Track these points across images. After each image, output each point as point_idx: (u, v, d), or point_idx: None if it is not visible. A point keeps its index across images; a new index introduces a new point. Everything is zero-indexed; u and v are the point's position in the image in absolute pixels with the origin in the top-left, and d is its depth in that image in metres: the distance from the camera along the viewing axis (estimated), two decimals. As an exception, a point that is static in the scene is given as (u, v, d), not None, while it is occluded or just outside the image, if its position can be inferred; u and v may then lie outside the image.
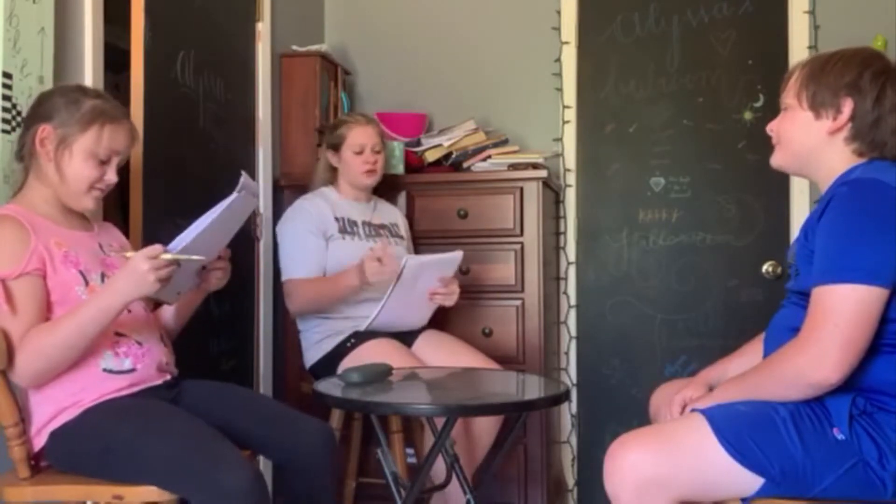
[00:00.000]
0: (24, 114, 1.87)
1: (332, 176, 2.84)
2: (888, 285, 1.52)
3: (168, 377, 1.91)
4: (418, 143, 3.22)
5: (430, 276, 2.61)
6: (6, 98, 1.85)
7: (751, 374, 1.66)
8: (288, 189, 3.08)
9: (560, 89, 3.46)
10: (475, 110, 3.42)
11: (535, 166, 3.04)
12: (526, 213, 2.98)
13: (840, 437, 1.54)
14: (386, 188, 2.95)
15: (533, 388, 2.32)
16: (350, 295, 2.59)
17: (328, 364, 2.58)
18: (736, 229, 3.26)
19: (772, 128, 1.80)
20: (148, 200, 2.39)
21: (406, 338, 2.69)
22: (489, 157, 3.10)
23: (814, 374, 1.52)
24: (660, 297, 3.35)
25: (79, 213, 1.91)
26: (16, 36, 1.86)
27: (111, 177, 1.84)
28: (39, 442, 1.74)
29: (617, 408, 3.34)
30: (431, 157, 3.17)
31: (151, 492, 1.65)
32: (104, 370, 1.77)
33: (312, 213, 2.70)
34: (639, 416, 2.04)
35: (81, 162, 1.79)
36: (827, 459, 1.53)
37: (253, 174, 2.96)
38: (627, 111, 3.41)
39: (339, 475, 2.69)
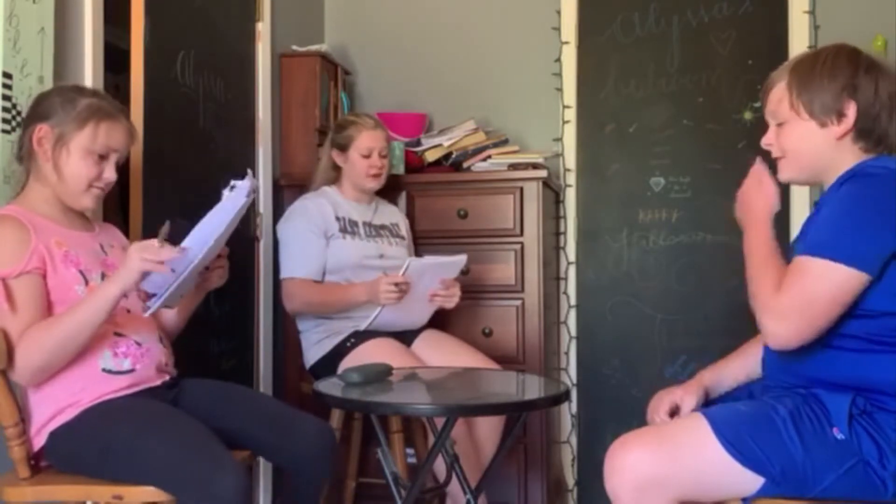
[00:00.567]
0: (24, 114, 1.87)
1: (335, 175, 2.84)
2: (870, 273, 1.53)
3: (167, 378, 1.91)
4: (418, 143, 3.22)
5: (432, 278, 2.61)
6: (6, 98, 1.85)
7: (756, 262, 1.67)
8: (288, 189, 3.08)
9: (560, 89, 3.46)
10: (475, 110, 3.42)
11: (535, 166, 3.04)
12: (526, 213, 2.98)
13: (840, 436, 1.54)
14: (386, 188, 2.95)
15: (533, 388, 2.32)
16: (354, 308, 2.60)
17: (328, 364, 2.58)
18: (736, 229, 3.21)
19: (769, 142, 1.76)
20: (148, 200, 2.39)
21: (406, 338, 2.69)
22: (489, 157, 3.10)
23: (770, 329, 1.57)
24: (660, 297, 3.35)
25: (80, 214, 1.91)
26: (16, 36, 1.86)
27: (109, 175, 1.84)
28: (39, 442, 1.74)
29: (617, 408, 3.34)
30: (431, 157, 3.17)
31: (151, 492, 1.65)
32: (103, 370, 1.77)
33: (314, 213, 2.70)
34: (639, 416, 2.04)
35: (79, 160, 1.79)
36: (827, 459, 1.53)
37: (253, 174, 2.96)
38: (627, 111, 3.41)
39: (339, 475, 2.70)
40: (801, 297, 1.54)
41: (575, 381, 3.41)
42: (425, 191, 3.08)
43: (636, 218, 3.39)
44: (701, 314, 3.30)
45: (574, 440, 3.40)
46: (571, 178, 3.44)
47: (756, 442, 1.54)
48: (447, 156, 3.16)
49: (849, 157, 1.68)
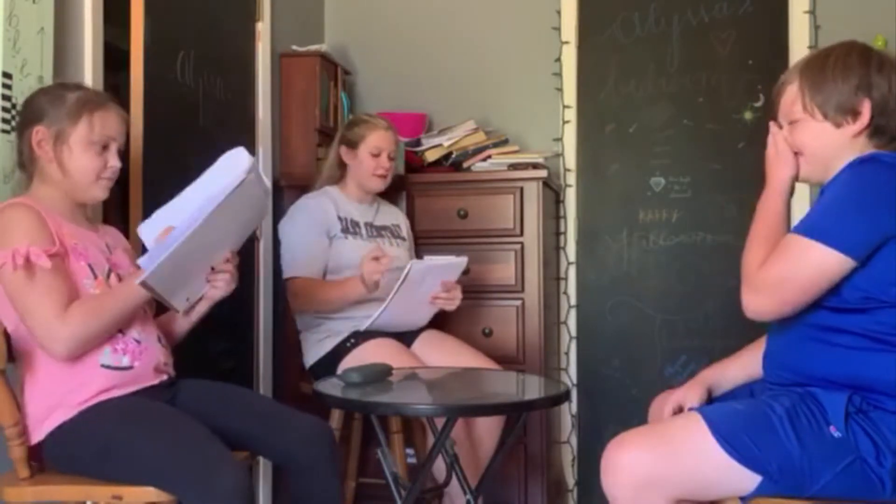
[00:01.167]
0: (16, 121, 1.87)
1: (340, 173, 2.83)
2: (855, 257, 1.54)
3: (165, 377, 1.91)
4: (418, 143, 3.22)
5: (434, 280, 2.61)
6: (6, 98, 1.85)
7: (758, 231, 1.70)
8: (288, 189, 3.07)
9: (560, 89, 3.46)
10: (475, 110, 3.42)
11: (535, 166, 3.04)
12: (526, 213, 2.98)
13: (837, 434, 1.54)
14: (387, 188, 2.95)
15: (533, 388, 2.32)
16: (354, 301, 2.59)
17: (328, 364, 2.58)
18: (736, 229, 3.25)
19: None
20: (148, 200, 2.39)
21: (406, 338, 2.69)
22: (489, 157, 3.10)
23: (746, 300, 1.63)
24: (660, 297, 3.35)
25: (84, 216, 1.93)
26: (16, 36, 1.86)
27: (114, 163, 1.86)
28: (37, 436, 1.74)
29: (617, 408, 3.34)
30: (431, 157, 3.17)
31: (150, 492, 1.65)
32: (102, 366, 1.77)
33: (317, 212, 2.69)
34: (639, 416, 2.04)
35: (81, 153, 1.80)
36: (824, 457, 1.53)
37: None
38: (627, 111, 3.41)
39: (340, 475, 2.69)
40: (781, 273, 1.58)
41: (575, 381, 3.41)
42: (425, 191, 3.08)
43: (636, 218, 3.39)
44: (701, 314, 3.30)
45: (574, 440, 3.40)
46: (571, 178, 3.44)
47: (753, 440, 1.54)
48: (447, 156, 3.16)
49: (865, 152, 1.67)
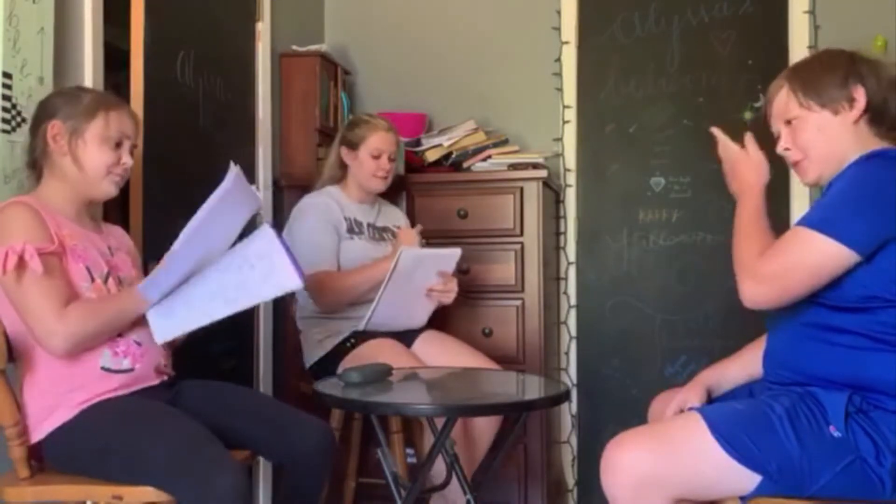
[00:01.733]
0: (23, 114, 1.88)
1: (341, 174, 2.82)
2: (860, 252, 1.54)
3: (165, 378, 1.92)
4: (418, 143, 3.22)
5: (428, 272, 2.60)
6: (6, 98, 1.85)
7: (744, 229, 1.69)
8: (288, 189, 3.07)
9: (560, 89, 3.46)
10: (475, 110, 3.42)
11: (535, 166, 3.04)
12: (526, 213, 2.98)
13: (836, 434, 1.54)
14: (387, 188, 2.95)
15: (533, 388, 2.32)
16: (381, 281, 2.51)
17: (328, 364, 2.58)
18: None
19: (787, 146, 1.74)
20: (148, 200, 2.39)
21: (406, 338, 2.68)
22: (489, 157, 3.10)
23: (746, 290, 1.62)
24: (660, 297, 3.35)
25: (90, 216, 1.93)
26: (16, 36, 1.86)
27: (127, 160, 1.88)
28: (37, 436, 1.74)
29: (617, 408, 3.34)
30: (431, 157, 3.17)
31: (150, 492, 1.65)
32: (102, 368, 1.77)
33: (324, 209, 2.68)
34: (639, 416, 2.04)
35: (96, 148, 1.83)
36: (824, 457, 1.53)
37: (253, 174, 2.96)
38: (627, 111, 3.41)
39: (339, 475, 2.70)
40: (784, 263, 1.58)
41: (575, 381, 3.41)
42: (425, 191, 3.08)
43: (636, 218, 3.39)
44: (701, 314, 3.30)
45: (574, 440, 3.40)
46: (571, 178, 3.44)
47: (753, 440, 1.54)
48: (447, 156, 3.16)
49: (868, 143, 1.68)
